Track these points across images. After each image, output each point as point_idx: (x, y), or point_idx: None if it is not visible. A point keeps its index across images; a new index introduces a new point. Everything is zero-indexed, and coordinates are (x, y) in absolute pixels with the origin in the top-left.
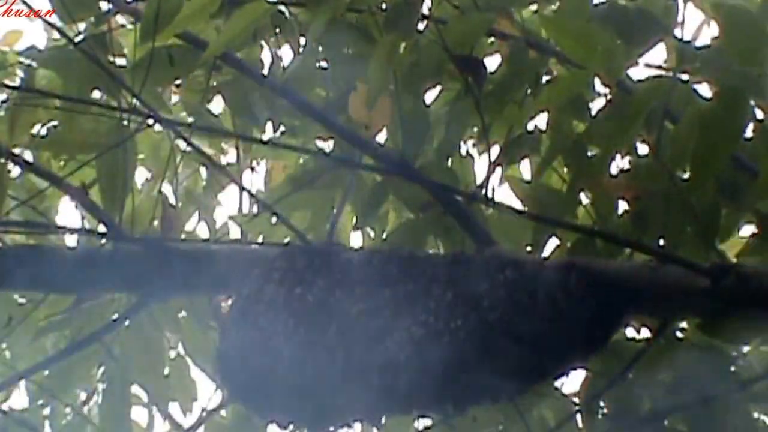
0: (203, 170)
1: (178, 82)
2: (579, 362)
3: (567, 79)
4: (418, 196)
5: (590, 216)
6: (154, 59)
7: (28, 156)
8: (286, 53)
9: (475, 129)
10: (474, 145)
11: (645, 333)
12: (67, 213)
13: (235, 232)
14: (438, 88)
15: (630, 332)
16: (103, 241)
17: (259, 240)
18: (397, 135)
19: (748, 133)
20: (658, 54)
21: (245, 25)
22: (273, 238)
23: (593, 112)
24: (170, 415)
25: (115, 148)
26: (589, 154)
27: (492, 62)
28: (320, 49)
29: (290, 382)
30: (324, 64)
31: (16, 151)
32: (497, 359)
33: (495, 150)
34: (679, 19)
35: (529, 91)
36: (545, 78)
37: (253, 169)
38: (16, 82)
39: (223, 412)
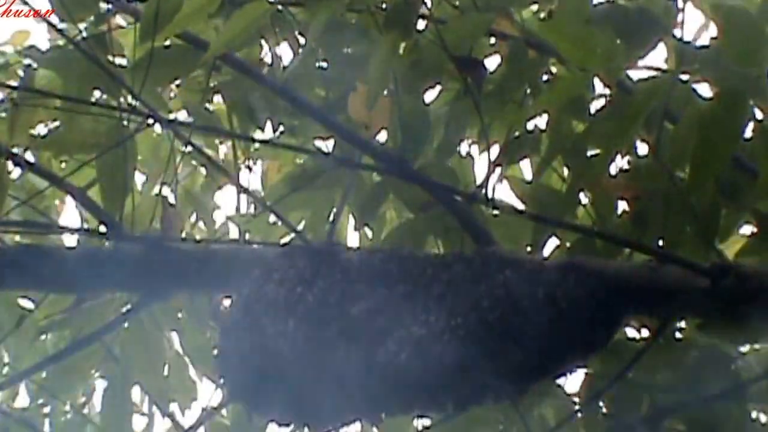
0: (202, 170)
1: (177, 82)
2: (579, 362)
3: (567, 80)
4: (418, 196)
5: (590, 216)
6: (153, 59)
7: (29, 156)
8: (286, 53)
9: (475, 129)
10: (474, 143)
11: (645, 333)
12: (68, 213)
13: (234, 232)
14: (437, 88)
15: (630, 332)
16: (104, 240)
17: (259, 240)
18: (396, 135)
19: (748, 133)
20: (658, 54)
21: (245, 25)
22: (273, 238)
23: (593, 112)
24: (170, 414)
25: (115, 148)
26: (589, 154)
27: (491, 62)
28: (320, 49)
29: (290, 381)
30: (323, 63)
31: (17, 151)
32: (497, 359)
33: (495, 150)
34: (679, 19)
35: (528, 91)
36: (545, 78)
37: (250, 168)
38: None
39: (223, 412)
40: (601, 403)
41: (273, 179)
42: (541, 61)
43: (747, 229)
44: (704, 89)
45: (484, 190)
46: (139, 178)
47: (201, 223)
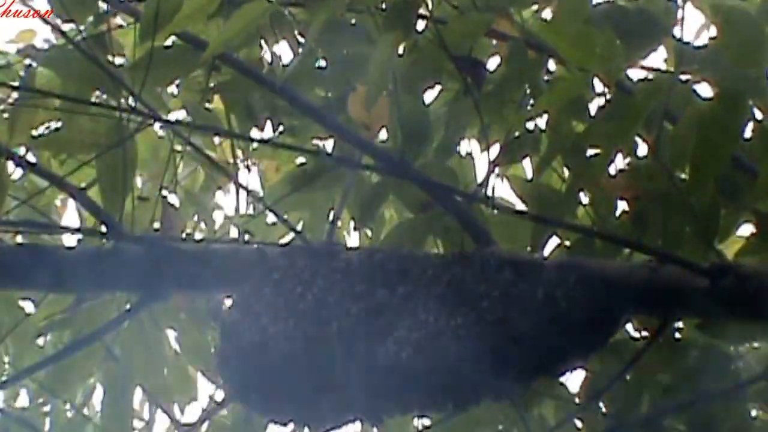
0: (202, 170)
1: (177, 82)
2: (578, 362)
3: (566, 81)
4: (418, 196)
5: (589, 216)
6: (153, 59)
7: (30, 157)
8: (286, 53)
9: (475, 129)
10: (474, 138)
11: (645, 333)
12: (69, 214)
13: (234, 232)
14: (437, 88)
15: (630, 332)
16: (104, 240)
17: (259, 240)
18: (396, 135)
19: (748, 133)
20: (658, 54)
21: (244, 25)
22: (272, 238)
23: (593, 113)
24: (171, 414)
25: (115, 148)
26: (589, 154)
27: (491, 62)
28: (319, 49)
29: (290, 381)
30: (323, 63)
31: (18, 151)
32: (497, 359)
33: (495, 150)
34: (679, 19)
35: (528, 91)
36: (545, 78)
37: (249, 168)
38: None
39: (223, 412)
40: (601, 403)
41: (271, 179)
42: (540, 62)
43: (746, 229)
44: (704, 89)
45: (483, 190)
46: (139, 178)
47: (202, 224)
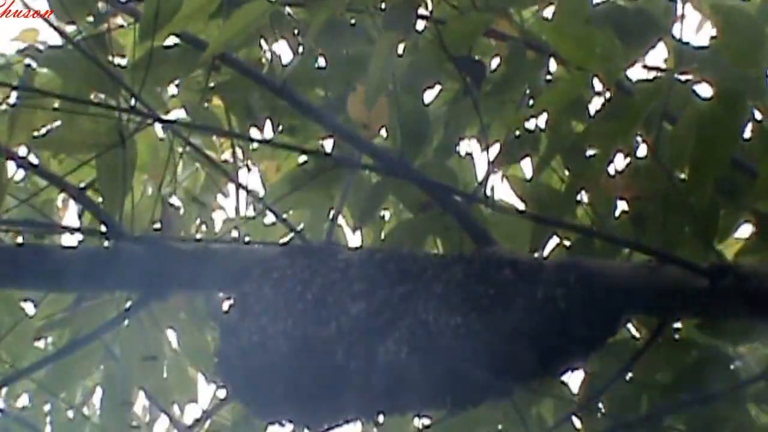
0: (203, 170)
1: (177, 82)
2: (578, 362)
3: (566, 81)
4: (417, 195)
5: (589, 216)
6: (153, 59)
7: (31, 157)
8: (285, 53)
9: (475, 129)
10: (474, 138)
11: (644, 333)
12: (70, 214)
13: (234, 232)
14: (437, 88)
15: (629, 332)
16: (103, 240)
17: (259, 240)
18: (396, 135)
19: (747, 133)
20: (658, 55)
21: (244, 25)
22: (272, 237)
23: (592, 113)
24: (170, 414)
25: (114, 148)
26: (588, 154)
27: (491, 62)
28: (319, 49)
29: (290, 380)
30: (323, 63)
31: (20, 152)
32: (496, 358)
33: (494, 149)
34: (678, 19)
35: (528, 91)
36: (545, 78)
37: (249, 169)
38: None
39: (223, 412)
40: (600, 403)
41: (272, 179)
42: (540, 62)
43: (746, 230)
44: (704, 90)
45: (483, 190)
46: (139, 178)
47: (203, 226)
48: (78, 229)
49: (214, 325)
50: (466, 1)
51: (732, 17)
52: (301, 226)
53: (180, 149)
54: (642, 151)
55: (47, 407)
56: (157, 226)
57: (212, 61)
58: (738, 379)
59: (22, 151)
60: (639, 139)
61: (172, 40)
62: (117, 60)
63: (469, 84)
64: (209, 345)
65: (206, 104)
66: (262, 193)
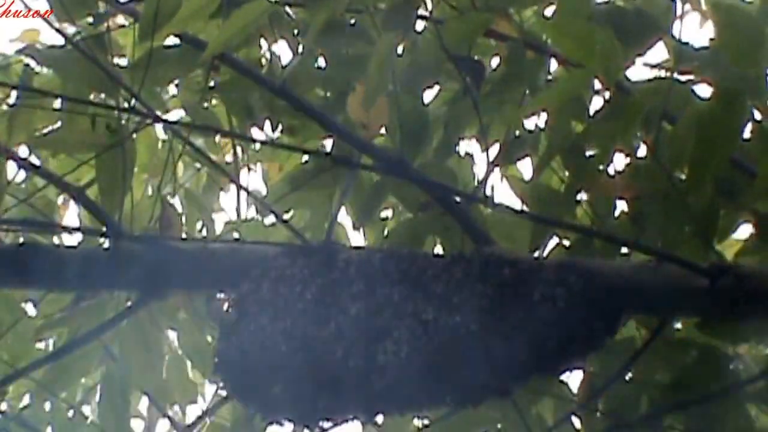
0: (204, 171)
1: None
2: (577, 361)
3: (565, 79)
4: (417, 195)
5: (589, 216)
6: (152, 59)
7: (31, 158)
8: (285, 53)
9: (474, 129)
10: (474, 138)
11: (643, 332)
12: (71, 214)
13: (235, 233)
14: (436, 88)
15: (629, 331)
16: (103, 240)
17: (259, 240)
18: (395, 135)
19: (746, 133)
20: (657, 55)
21: (243, 25)
22: (272, 237)
23: (592, 113)
24: (169, 414)
25: (113, 148)
26: (588, 154)
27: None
28: (319, 49)
29: (289, 380)
30: (323, 63)
31: (22, 153)
32: (496, 358)
33: (494, 149)
34: (678, 19)
35: (527, 91)
36: (545, 78)
37: (250, 169)
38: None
39: (223, 412)
40: (599, 403)
41: (275, 180)
42: (540, 62)
43: (745, 230)
44: (703, 90)
45: (483, 190)
46: (138, 178)
47: (204, 229)
48: (78, 229)
49: (214, 325)
50: (466, 2)
51: (732, 17)
52: (302, 226)
53: (180, 149)
54: (642, 151)
55: (47, 407)
56: (157, 226)
57: (212, 61)
58: (737, 379)
59: (22, 151)
60: (639, 139)
61: (171, 40)
62: (117, 60)
63: (468, 84)
64: (209, 345)
65: (206, 104)
66: (264, 193)
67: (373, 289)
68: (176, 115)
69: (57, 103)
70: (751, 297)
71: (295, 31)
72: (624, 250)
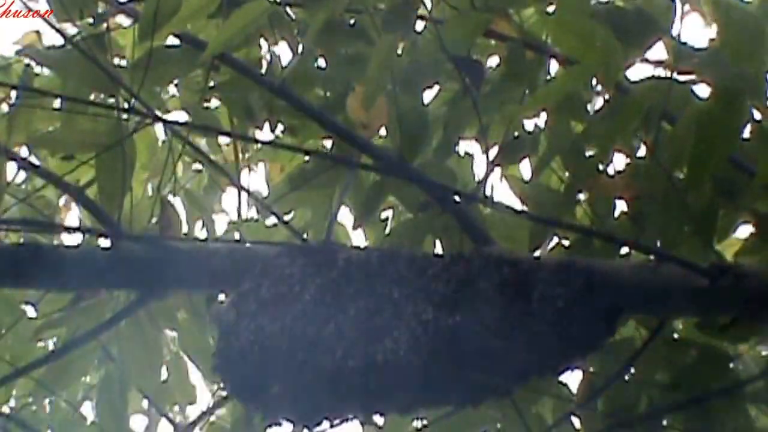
0: (204, 172)
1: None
2: (577, 361)
3: (564, 77)
4: (417, 195)
5: (588, 216)
6: (152, 59)
7: (31, 158)
8: (285, 52)
9: (474, 129)
10: (474, 138)
11: (643, 332)
12: (70, 213)
13: (236, 234)
14: (436, 88)
15: (629, 331)
16: (103, 240)
17: (258, 240)
18: (395, 135)
19: (746, 133)
20: (657, 56)
21: (243, 25)
22: (273, 238)
23: (591, 113)
24: (167, 415)
25: (113, 147)
26: (588, 154)
27: (490, 63)
28: (319, 49)
29: (289, 380)
30: (322, 63)
31: (22, 153)
32: (495, 358)
33: (494, 150)
34: (678, 19)
35: (527, 91)
36: (545, 79)
37: (250, 169)
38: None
39: (222, 412)
40: (599, 402)
41: (276, 180)
42: (539, 62)
43: (745, 230)
44: (703, 90)
45: (482, 190)
46: (138, 178)
47: (204, 229)
48: (78, 229)
49: (213, 325)
50: (466, 2)
51: (732, 16)
52: (302, 226)
53: (180, 149)
54: (641, 151)
55: (47, 407)
56: (157, 226)
57: (212, 61)
58: (737, 379)
59: (22, 151)
60: (638, 139)
61: (171, 40)
62: (116, 60)
63: (468, 84)
64: (209, 345)
65: (206, 104)
66: (265, 193)
67: (372, 288)
68: (176, 115)
69: (57, 103)
70: (750, 297)
71: (295, 31)
72: (624, 250)
